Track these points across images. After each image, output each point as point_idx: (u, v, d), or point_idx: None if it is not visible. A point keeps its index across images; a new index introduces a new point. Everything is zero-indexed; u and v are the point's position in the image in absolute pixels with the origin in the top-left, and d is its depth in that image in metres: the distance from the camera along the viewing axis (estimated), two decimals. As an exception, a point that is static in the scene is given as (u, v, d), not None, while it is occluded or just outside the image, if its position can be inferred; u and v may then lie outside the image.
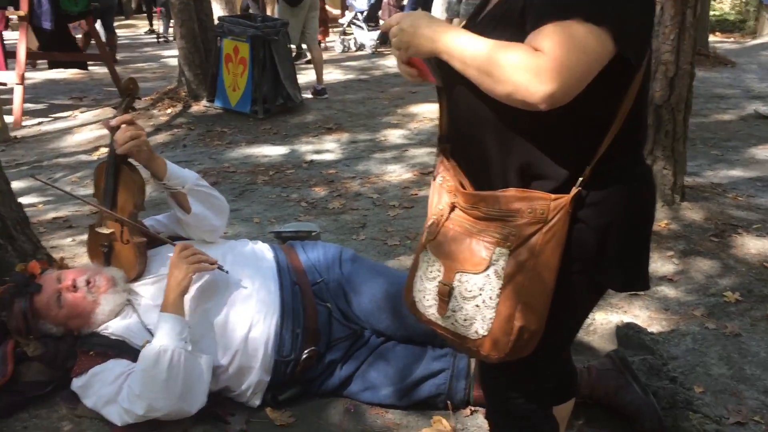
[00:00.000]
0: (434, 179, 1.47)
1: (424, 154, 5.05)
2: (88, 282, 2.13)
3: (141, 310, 2.13)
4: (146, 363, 1.92)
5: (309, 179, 4.57)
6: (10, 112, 6.20)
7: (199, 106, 6.33)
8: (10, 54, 6.78)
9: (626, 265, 1.33)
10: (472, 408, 2.16)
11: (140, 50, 11.51)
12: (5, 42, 6.97)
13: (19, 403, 2.12)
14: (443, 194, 1.43)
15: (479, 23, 1.33)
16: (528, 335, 1.31)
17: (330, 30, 11.33)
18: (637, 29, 1.20)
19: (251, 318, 2.11)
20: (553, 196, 1.25)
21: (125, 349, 2.05)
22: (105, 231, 2.23)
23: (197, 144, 5.56)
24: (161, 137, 5.71)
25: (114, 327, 2.11)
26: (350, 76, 8.23)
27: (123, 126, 2.12)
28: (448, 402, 2.14)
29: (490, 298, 1.31)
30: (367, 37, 10.35)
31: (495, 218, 1.30)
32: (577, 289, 1.34)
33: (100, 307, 2.10)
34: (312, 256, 2.35)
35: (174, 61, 9.08)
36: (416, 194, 4.20)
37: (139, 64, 9.89)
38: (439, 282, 1.38)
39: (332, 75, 8.11)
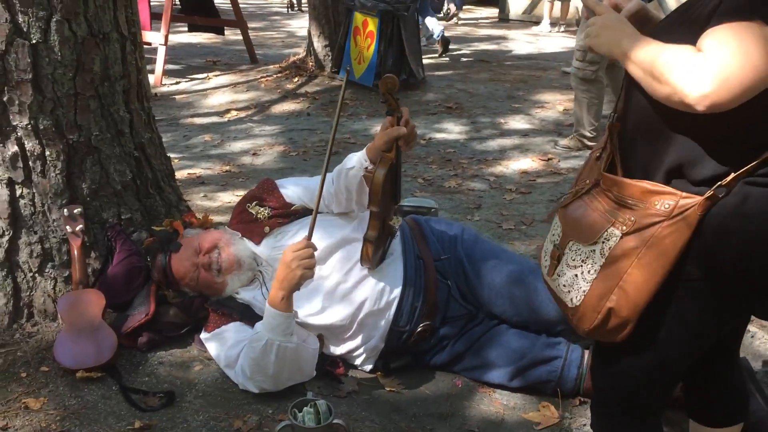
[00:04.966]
0: (594, 152, 1.49)
1: (545, 141, 4.95)
2: (219, 259, 2.24)
3: (269, 284, 2.22)
4: (255, 353, 2.02)
5: (427, 156, 4.62)
6: (152, 72, 6.60)
7: (324, 77, 6.50)
8: (155, 16, 7.20)
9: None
10: (582, 398, 2.15)
11: (269, 19, 11.89)
12: (151, 3, 7.40)
13: (157, 341, 2.32)
14: (593, 170, 1.45)
15: (671, 21, 1.32)
16: (616, 320, 1.31)
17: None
18: None
19: (374, 288, 2.18)
20: (683, 194, 1.23)
21: (249, 315, 2.19)
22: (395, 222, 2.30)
23: (320, 113, 5.73)
24: (287, 105, 5.93)
25: (243, 293, 2.27)
26: (472, 57, 8.16)
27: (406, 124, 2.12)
28: (558, 390, 2.15)
29: (589, 272, 1.34)
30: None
31: (623, 205, 1.31)
32: (692, 300, 1.30)
33: (228, 287, 2.27)
34: (436, 232, 2.41)
35: (299, 32, 9.34)
36: (534, 180, 4.15)
37: (266, 33, 10.23)
38: (554, 245, 1.45)
39: (455, 54, 8.08)
